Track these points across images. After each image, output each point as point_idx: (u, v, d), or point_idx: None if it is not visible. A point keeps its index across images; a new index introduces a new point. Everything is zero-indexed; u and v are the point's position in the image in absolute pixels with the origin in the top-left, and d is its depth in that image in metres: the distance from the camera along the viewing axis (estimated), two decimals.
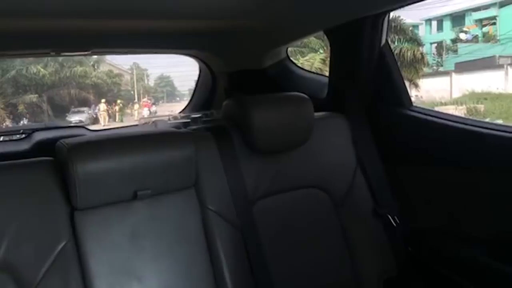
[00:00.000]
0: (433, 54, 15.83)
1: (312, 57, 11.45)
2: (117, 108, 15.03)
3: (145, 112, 14.25)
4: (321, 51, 11.44)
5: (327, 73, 1.71)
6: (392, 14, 1.54)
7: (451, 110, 9.59)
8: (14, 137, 1.97)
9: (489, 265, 1.26)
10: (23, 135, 1.94)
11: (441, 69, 14.75)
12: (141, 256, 1.14)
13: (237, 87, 1.99)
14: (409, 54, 12.14)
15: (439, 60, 15.59)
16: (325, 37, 1.66)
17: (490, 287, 1.26)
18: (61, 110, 14.63)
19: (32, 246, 1.05)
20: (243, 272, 1.25)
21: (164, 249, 1.17)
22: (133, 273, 1.13)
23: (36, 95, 14.27)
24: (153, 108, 15.31)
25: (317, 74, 2.04)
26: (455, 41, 15.63)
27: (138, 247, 1.15)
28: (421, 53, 12.64)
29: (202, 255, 1.21)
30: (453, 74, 13.06)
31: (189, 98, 2.41)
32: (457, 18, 16.37)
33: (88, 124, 10.72)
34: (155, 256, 1.16)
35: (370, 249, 1.43)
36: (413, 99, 1.58)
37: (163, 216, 1.19)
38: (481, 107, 10.42)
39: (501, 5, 14.90)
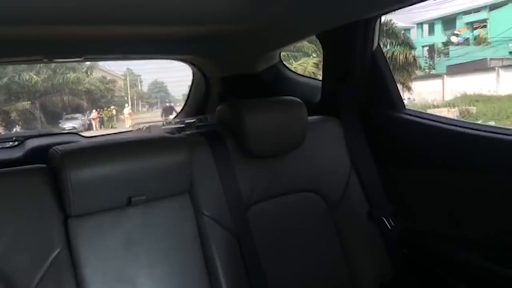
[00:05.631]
0: (425, 57, 15.95)
1: (305, 61, 11.51)
2: (107, 114, 14.94)
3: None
4: (314, 55, 11.50)
5: (320, 77, 1.72)
6: (383, 18, 1.55)
7: (443, 112, 9.66)
8: (7, 145, 1.95)
9: (485, 267, 1.27)
10: (16, 143, 1.93)
11: (433, 72, 14.86)
12: (135, 263, 1.14)
13: (231, 92, 1.99)
14: (401, 57, 12.23)
15: (431, 63, 15.71)
16: (318, 41, 1.67)
17: None
18: (54, 116, 14.56)
19: (25, 254, 1.04)
20: (239, 277, 1.24)
21: (159, 255, 1.17)
22: (127, 280, 1.12)
23: (29, 102, 14.19)
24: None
25: (311, 78, 2.05)
26: (446, 44, 15.77)
27: (132, 254, 1.14)
28: (413, 56, 12.73)
29: (197, 260, 1.21)
30: (445, 77, 13.16)
31: (183, 104, 2.41)
32: (448, 21, 16.53)
33: (82, 131, 10.66)
34: (150, 263, 1.15)
35: (365, 252, 1.44)
36: (405, 102, 1.59)
37: (157, 222, 1.19)
38: (473, 109, 10.51)
39: (492, 8, 15.06)
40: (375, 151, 1.52)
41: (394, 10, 1.45)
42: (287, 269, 1.32)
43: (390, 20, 12.29)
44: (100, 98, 15.84)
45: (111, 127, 14.22)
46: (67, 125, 13.35)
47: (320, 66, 1.79)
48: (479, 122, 7.90)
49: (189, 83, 2.28)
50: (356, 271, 1.40)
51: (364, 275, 1.41)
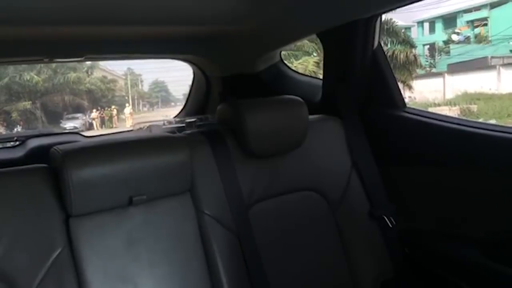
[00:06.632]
0: (426, 55, 15.92)
1: (305, 60, 11.49)
2: (112, 113, 14.93)
3: None
4: (315, 54, 11.48)
5: (321, 76, 1.72)
6: (384, 17, 1.55)
7: (444, 110, 9.65)
8: (8, 145, 1.95)
9: (486, 266, 1.27)
10: (17, 142, 1.93)
11: (434, 70, 14.84)
12: (137, 262, 1.14)
13: (231, 91, 1.99)
14: (402, 56, 12.21)
15: (432, 61, 15.69)
16: (319, 40, 1.67)
17: None
18: (55, 116, 14.57)
19: (27, 253, 1.04)
20: (240, 276, 1.24)
21: (160, 254, 1.17)
22: (129, 280, 1.12)
23: (30, 102, 14.20)
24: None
25: (311, 77, 2.05)
26: (447, 42, 15.74)
27: (133, 253, 1.14)
28: (414, 55, 12.70)
29: (199, 260, 1.21)
30: (446, 75, 13.14)
31: (183, 103, 2.41)
32: (449, 20, 16.50)
33: (83, 131, 10.66)
34: (151, 262, 1.15)
35: (366, 251, 1.44)
36: (406, 100, 1.59)
37: (158, 221, 1.19)
38: (474, 107, 10.50)
39: (492, 6, 15.03)
40: (376, 150, 1.52)
41: (394, 9, 1.45)
42: (288, 268, 1.32)
43: (391, 19, 12.28)
44: (101, 98, 15.83)
45: (111, 126, 14.22)
46: (68, 125, 13.35)
47: (321, 65, 1.78)
48: (480, 120, 7.89)
49: (190, 82, 2.28)
50: (357, 270, 1.40)
51: (365, 274, 1.41)
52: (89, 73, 15.76)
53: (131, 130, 2.22)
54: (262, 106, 1.38)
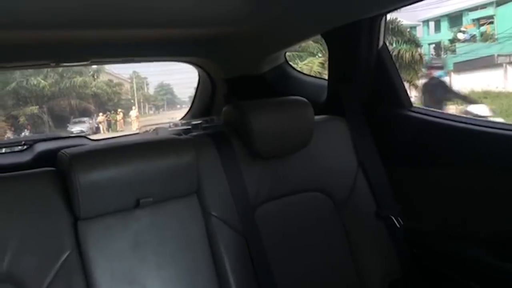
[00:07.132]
0: (432, 54, 15.84)
1: (310, 61, 11.47)
2: (118, 117, 15.00)
3: None
4: (320, 54, 11.46)
5: (326, 77, 1.71)
6: (389, 16, 1.55)
7: (451, 109, 9.58)
8: (16, 149, 1.97)
9: (494, 265, 1.26)
10: (25, 147, 1.94)
11: None
12: (144, 264, 1.14)
13: (237, 93, 1.99)
14: (407, 55, 12.15)
15: (438, 60, 15.59)
16: (323, 40, 1.67)
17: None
18: (62, 120, 14.65)
19: (35, 257, 1.05)
20: (248, 277, 1.24)
21: (168, 256, 1.17)
22: (136, 282, 1.13)
23: (37, 107, 14.29)
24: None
25: (316, 77, 2.04)
26: (453, 41, 15.65)
27: (141, 255, 1.14)
28: (420, 54, 12.65)
29: (206, 261, 1.21)
30: (452, 74, 13.06)
31: (189, 105, 2.41)
32: (455, 18, 16.39)
33: (89, 134, 10.72)
34: (158, 264, 1.16)
35: (374, 251, 1.43)
36: (412, 99, 1.58)
37: (165, 223, 1.19)
38: None
39: (498, 4, 14.93)
40: (382, 149, 1.51)
41: (398, 8, 1.45)
42: (295, 268, 1.32)
43: (396, 18, 12.23)
44: (107, 101, 15.89)
45: (118, 130, 14.27)
46: (75, 129, 13.42)
47: (326, 65, 1.78)
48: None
49: (195, 85, 2.28)
50: (364, 271, 1.39)
51: (372, 274, 1.40)
52: (95, 77, 15.82)
53: (138, 133, 2.23)
54: (267, 107, 1.38)
